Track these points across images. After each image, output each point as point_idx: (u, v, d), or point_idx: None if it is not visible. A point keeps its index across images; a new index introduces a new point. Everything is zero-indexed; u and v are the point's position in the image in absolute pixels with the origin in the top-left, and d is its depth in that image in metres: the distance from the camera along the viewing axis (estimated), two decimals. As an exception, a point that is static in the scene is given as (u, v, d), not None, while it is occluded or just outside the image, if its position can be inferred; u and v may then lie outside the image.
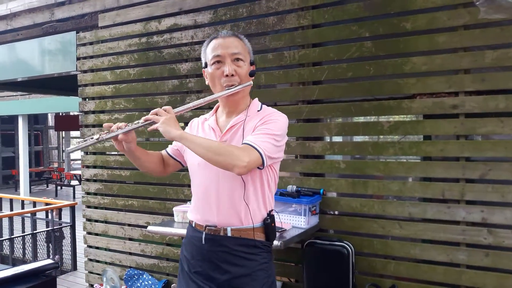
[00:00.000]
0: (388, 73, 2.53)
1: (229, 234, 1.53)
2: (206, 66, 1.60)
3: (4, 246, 6.06)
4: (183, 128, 1.57)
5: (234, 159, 1.39)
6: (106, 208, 3.77)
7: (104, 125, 1.52)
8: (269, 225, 1.57)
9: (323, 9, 2.72)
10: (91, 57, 3.77)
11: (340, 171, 2.69)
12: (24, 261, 5.75)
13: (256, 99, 1.67)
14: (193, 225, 1.63)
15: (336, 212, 2.75)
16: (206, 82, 1.64)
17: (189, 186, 3.23)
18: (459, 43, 2.35)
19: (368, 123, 2.66)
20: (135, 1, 3.50)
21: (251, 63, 1.61)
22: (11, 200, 6.95)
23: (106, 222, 3.77)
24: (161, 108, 1.49)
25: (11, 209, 6.89)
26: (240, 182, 1.51)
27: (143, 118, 1.48)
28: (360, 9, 2.60)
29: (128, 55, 3.55)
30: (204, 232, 1.57)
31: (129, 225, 3.63)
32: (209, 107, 1.78)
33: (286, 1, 2.83)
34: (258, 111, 1.61)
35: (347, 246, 2.52)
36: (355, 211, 2.65)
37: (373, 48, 2.56)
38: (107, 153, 3.77)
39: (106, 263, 3.79)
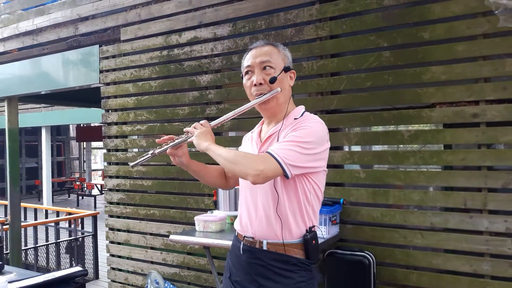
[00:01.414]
0: (407, 82, 2.54)
1: (265, 247, 1.50)
2: (243, 78, 1.63)
3: (28, 254, 6.20)
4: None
5: (247, 167, 1.37)
6: (128, 218, 3.84)
7: (157, 140, 1.59)
8: (308, 242, 1.48)
9: (341, 20, 2.74)
10: (114, 69, 3.87)
11: (360, 180, 2.69)
12: (48, 270, 5.87)
13: (301, 106, 1.63)
14: (236, 234, 1.65)
15: (357, 222, 2.74)
16: (247, 94, 1.65)
17: (210, 195, 3.30)
18: (478, 51, 2.34)
19: (388, 132, 2.66)
20: (156, 15, 3.59)
21: (286, 69, 1.57)
22: (35, 210, 7.13)
23: (128, 231, 3.83)
24: (198, 122, 1.55)
25: (35, 219, 7.07)
26: (273, 193, 1.49)
27: (184, 129, 1.57)
28: (378, 20, 2.62)
29: (150, 67, 3.64)
30: (242, 242, 1.57)
31: (151, 234, 3.69)
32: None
33: (304, 13, 2.87)
34: (296, 118, 1.55)
35: (368, 256, 2.51)
36: (376, 221, 2.64)
37: (392, 57, 2.57)
38: (129, 163, 3.84)
39: (128, 272, 3.85)
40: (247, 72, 1.59)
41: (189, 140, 1.53)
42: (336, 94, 2.78)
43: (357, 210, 2.70)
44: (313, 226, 1.52)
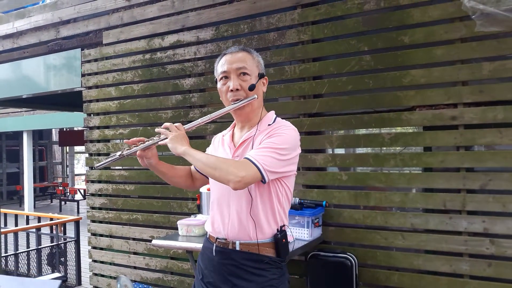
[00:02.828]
0: (387, 86, 2.57)
1: (238, 248, 1.55)
2: (217, 82, 1.66)
3: (9, 261, 6.07)
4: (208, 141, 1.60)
5: (229, 173, 1.41)
6: (110, 223, 3.80)
7: (124, 141, 1.61)
8: (279, 240, 1.55)
9: (323, 24, 2.77)
10: (96, 73, 3.84)
11: (342, 183, 2.72)
12: (28, 276, 5.76)
13: (272, 112, 1.69)
14: (207, 236, 1.68)
15: (339, 224, 2.76)
16: (221, 98, 1.68)
17: (193, 199, 3.29)
18: (456, 55, 2.39)
19: (369, 135, 2.70)
20: (138, 18, 3.58)
21: (260, 76, 1.62)
22: (16, 216, 6.99)
23: (111, 236, 3.79)
24: (173, 124, 1.55)
25: (16, 225, 6.92)
26: (248, 196, 1.53)
27: (156, 129, 1.57)
28: (359, 24, 2.65)
29: (132, 71, 3.62)
30: (214, 244, 1.60)
31: (134, 239, 3.65)
32: (213, 121, 1.82)
33: (286, 17, 2.89)
34: (270, 124, 1.60)
35: (351, 258, 2.53)
36: (358, 222, 2.66)
37: (372, 61, 2.61)
38: (112, 168, 3.81)
39: (111, 277, 3.80)
40: (222, 78, 1.61)
41: (161, 142, 1.53)
42: (318, 97, 2.80)
43: (340, 212, 2.72)
44: (284, 225, 1.59)
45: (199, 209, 2.93)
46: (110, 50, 3.74)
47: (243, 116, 1.63)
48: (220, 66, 1.62)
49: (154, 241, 2.62)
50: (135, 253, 3.65)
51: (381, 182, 2.60)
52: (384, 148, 2.67)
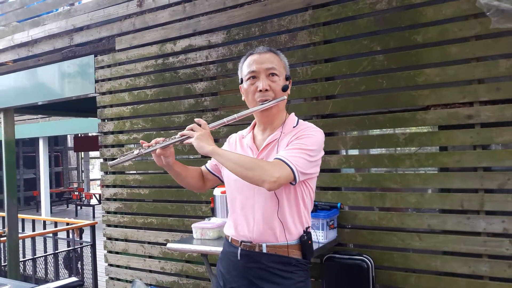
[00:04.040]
0: (401, 85, 2.54)
1: (264, 250, 1.52)
2: (242, 82, 1.63)
3: (27, 266, 6.16)
4: (221, 144, 1.58)
5: (264, 174, 1.38)
6: (126, 227, 3.82)
7: (145, 144, 1.56)
8: (305, 242, 1.55)
9: (334, 25, 2.76)
10: (109, 79, 3.88)
11: (356, 184, 2.69)
12: (46, 281, 5.83)
13: (293, 114, 1.67)
14: (229, 240, 1.63)
15: (355, 226, 2.74)
16: (242, 98, 1.66)
17: (207, 202, 3.29)
18: (471, 53, 2.36)
19: (383, 135, 2.67)
20: (150, 24, 3.61)
21: (287, 78, 1.61)
22: (33, 221, 7.09)
23: (126, 240, 3.82)
24: (195, 122, 1.53)
25: (33, 230, 7.02)
26: (274, 198, 1.51)
27: (180, 133, 1.53)
28: (371, 24, 2.63)
29: (145, 76, 3.64)
30: (239, 248, 1.57)
31: (149, 242, 3.67)
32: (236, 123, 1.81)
33: (297, 18, 2.88)
34: (294, 126, 1.59)
35: (367, 260, 2.50)
36: (374, 224, 2.63)
37: (385, 61, 2.58)
38: (126, 172, 3.84)
39: (127, 281, 3.82)
40: (250, 77, 1.58)
41: (186, 141, 1.50)
42: (331, 98, 2.79)
43: (355, 214, 2.69)
44: (308, 227, 1.59)
45: (213, 212, 2.93)
46: (123, 56, 3.78)
47: (269, 117, 1.60)
48: (247, 66, 1.59)
49: (169, 245, 2.63)
50: (150, 257, 3.66)
51: (396, 183, 2.57)
52: (399, 148, 2.64)
